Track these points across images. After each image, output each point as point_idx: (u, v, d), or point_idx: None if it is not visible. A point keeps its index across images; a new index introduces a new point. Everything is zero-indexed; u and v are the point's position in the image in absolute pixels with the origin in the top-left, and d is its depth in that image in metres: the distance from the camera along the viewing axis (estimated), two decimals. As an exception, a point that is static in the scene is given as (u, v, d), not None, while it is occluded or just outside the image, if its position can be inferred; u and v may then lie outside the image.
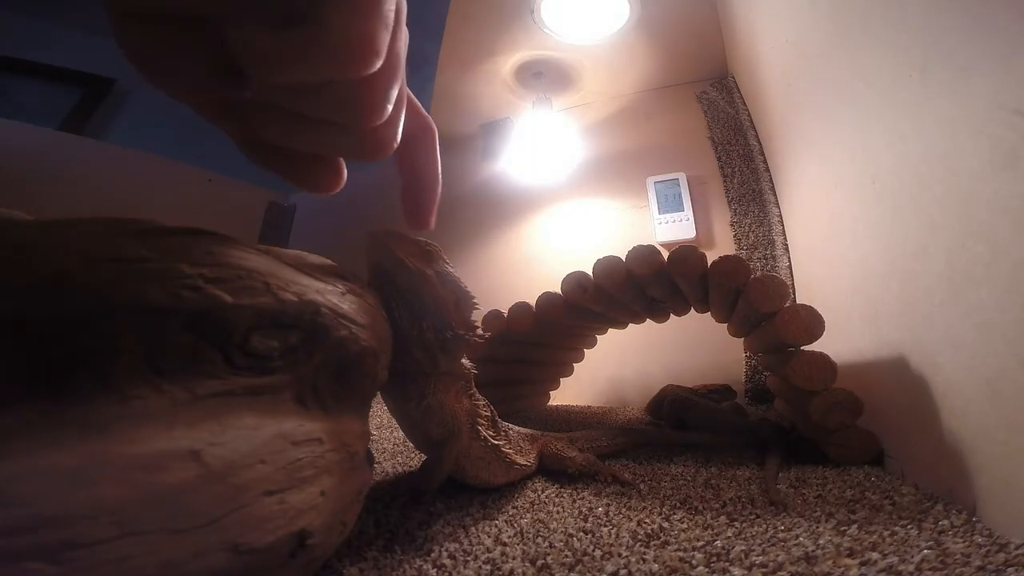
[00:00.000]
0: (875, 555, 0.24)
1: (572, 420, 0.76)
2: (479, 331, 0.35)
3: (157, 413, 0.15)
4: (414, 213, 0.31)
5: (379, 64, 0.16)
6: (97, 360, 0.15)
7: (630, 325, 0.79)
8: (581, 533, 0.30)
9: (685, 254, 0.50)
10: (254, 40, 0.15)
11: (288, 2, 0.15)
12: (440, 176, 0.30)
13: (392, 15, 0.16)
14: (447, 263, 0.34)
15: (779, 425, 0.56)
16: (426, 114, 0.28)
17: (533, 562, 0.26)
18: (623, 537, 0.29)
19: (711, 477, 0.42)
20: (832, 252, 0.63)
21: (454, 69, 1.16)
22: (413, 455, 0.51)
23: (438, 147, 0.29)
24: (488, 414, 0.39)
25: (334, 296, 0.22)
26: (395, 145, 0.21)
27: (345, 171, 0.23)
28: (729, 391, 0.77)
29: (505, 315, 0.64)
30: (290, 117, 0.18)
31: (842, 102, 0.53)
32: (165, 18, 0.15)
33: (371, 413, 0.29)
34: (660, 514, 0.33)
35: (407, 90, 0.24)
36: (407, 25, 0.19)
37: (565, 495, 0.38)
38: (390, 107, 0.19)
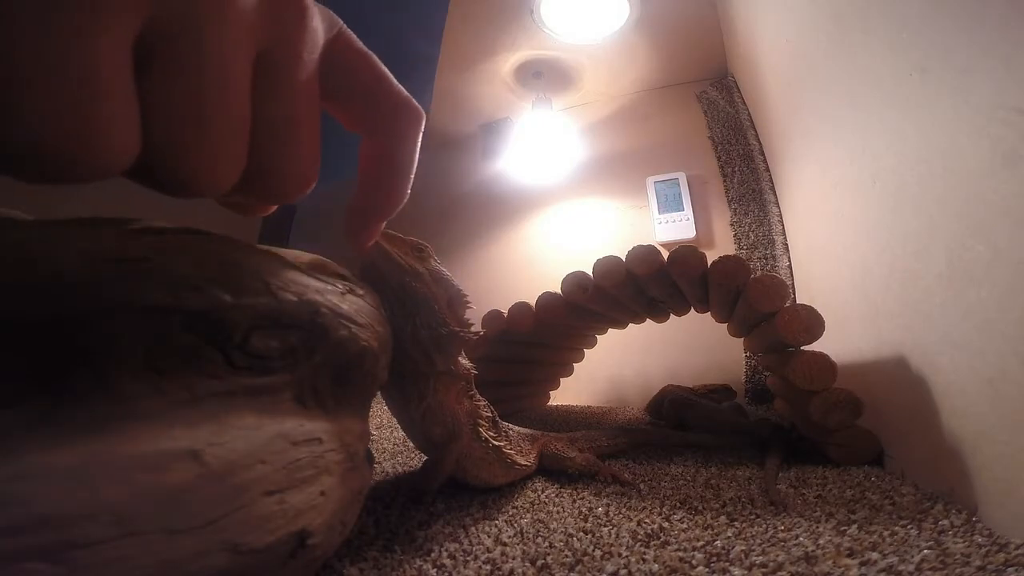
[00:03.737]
0: (875, 555, 0.24)
1: (572, 420, 0.76)
2: (473, 328, 0.35)
3: (157, 413, 0.15)
4: (358, 220, 0.21)
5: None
6: (97, 360, 0.15)
7: (630, 325, 0.79)
8: (581, 533, 0.30)
9: (685, 254, 0.50)
10: None
11: None
12: (411, 176, 0.21)
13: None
14: (438, 262, 0.34)
15: (779, 425, 0.56)
16: (408, 97, 0.20)
17: (533, 562, 0.26)
18: (623, 537, 0.29)
19: (711, 477, 0.42)
20: (832, 252, 0.63)
21: (454, 69, 1.16)
22: (413, 455, 0.51)
23: (418, 140, 0.21)
24: (489, 415, 0.39)
25: (334, 296, 0.22)
26: (309, 184, 0.17)
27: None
28: (729, 391, 0.77)
29: (505, 315, 0.64)
30: None
31: (842, 102, 0.53)
32: None
33: (371, 413, 0.29)
34: (660, 514, 0.33)
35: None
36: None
37: (565, 495, 0.38)
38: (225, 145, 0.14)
